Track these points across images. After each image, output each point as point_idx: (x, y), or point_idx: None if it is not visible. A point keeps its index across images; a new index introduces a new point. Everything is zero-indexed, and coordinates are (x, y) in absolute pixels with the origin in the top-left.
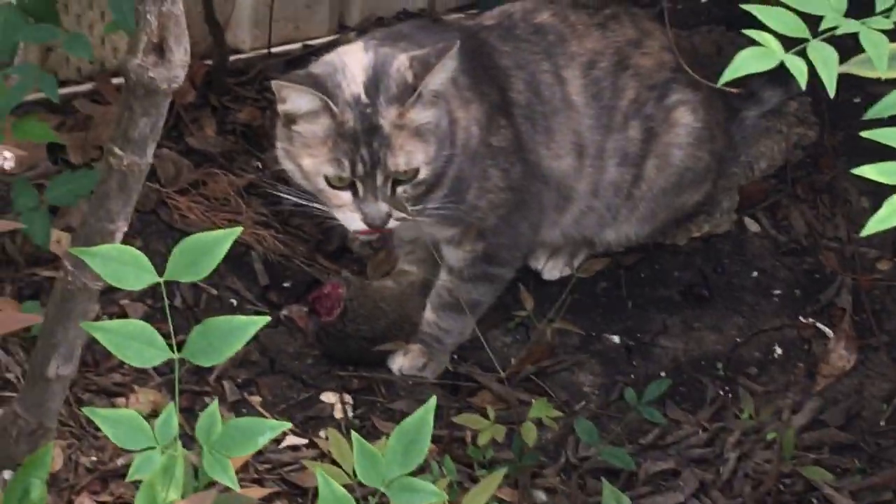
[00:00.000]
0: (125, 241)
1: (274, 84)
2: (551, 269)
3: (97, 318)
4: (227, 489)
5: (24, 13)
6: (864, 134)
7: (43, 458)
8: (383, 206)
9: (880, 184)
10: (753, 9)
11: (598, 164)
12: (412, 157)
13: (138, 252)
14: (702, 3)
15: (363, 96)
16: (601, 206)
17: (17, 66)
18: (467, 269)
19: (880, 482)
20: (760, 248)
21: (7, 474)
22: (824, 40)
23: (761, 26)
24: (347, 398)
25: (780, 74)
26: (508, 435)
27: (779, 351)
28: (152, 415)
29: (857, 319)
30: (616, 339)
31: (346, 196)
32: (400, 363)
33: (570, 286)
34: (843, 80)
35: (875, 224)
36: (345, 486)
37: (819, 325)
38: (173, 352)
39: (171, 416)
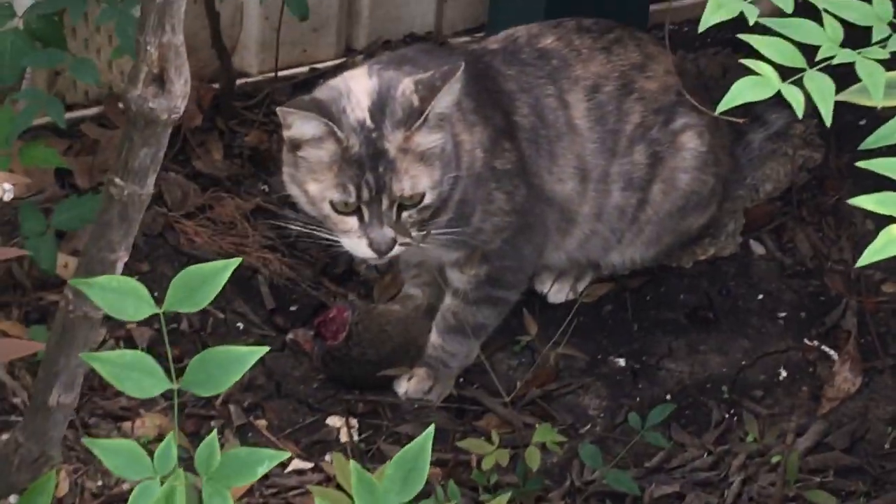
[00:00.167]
0: (132, 265)
1: (279, 110)
2: (557, 293)
3: (104, 343)
4: None
5: (31, 38)
6: (861, 164)
7: (45, 486)
8: (389, 232)
9: None
10: (750, 38)
11: (602, 189)
12: (417, 181)
13: (137, 283)
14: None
15: (368, 121)
16: (605, 229)
17: (25, 91)
18: (472, 292)
19: None
20: (766, 270)
21: (13, 499)
22: (821, 70)
23: (759, 55)
24: (353, 422)
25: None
26: (513, 459)
27: (784, 374)
28: (158, 439)
29: (862, 342)
30: (622, 361)
31: (352, 221)
32: (405, 387)
33: (575, 309)
34: (849, 102)
35: (870, 255)
36: None
37: (824, 347)
38: (172, 381)
39: (169, 445)
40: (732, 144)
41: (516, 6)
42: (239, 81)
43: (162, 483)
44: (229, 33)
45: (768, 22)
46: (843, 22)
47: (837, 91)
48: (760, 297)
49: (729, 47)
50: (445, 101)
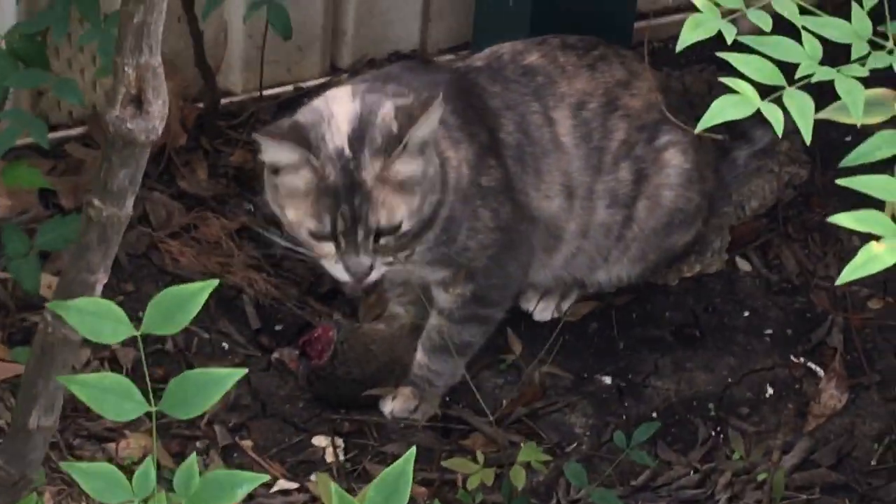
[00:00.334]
0: (116, 285)
1: (255, 136)
2: (542, 311)
3: (88, 363)
4: None
5: (13, 58)
6: (841, 182)
7: None
8: (365, 260)
9: None
10: (729, 57)
11: (588, 206)
12: (394, 212)
13: (115, 305)
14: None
15: (346, 150)
16: (591, 247)
17: (8, 111)
18: (458, 310)
19: None
20: (752, 287)
21: None
22: (801, 87)
23: (738, 73)
24: (339, 441)
25: None
26: (499, 478)
27: (770, 391)
28: (143, 460)
29: (848, 359)
30: (608, 379)
31: (330, 247)
32: (391, 406)
33: (560, 328)
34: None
35: (851, 272)
36: None
37: (810, 364)
38: (151, 404)
39: (148, 468)
40: (717, 161)
41: (501, 24)
42: (223, 100)
43: None
44: (213, 52)
45: (747, 40)
46: (821, 39)
47: (818, 108)
48: (746, 314)
49: (713, 64)
50: (424, 130)
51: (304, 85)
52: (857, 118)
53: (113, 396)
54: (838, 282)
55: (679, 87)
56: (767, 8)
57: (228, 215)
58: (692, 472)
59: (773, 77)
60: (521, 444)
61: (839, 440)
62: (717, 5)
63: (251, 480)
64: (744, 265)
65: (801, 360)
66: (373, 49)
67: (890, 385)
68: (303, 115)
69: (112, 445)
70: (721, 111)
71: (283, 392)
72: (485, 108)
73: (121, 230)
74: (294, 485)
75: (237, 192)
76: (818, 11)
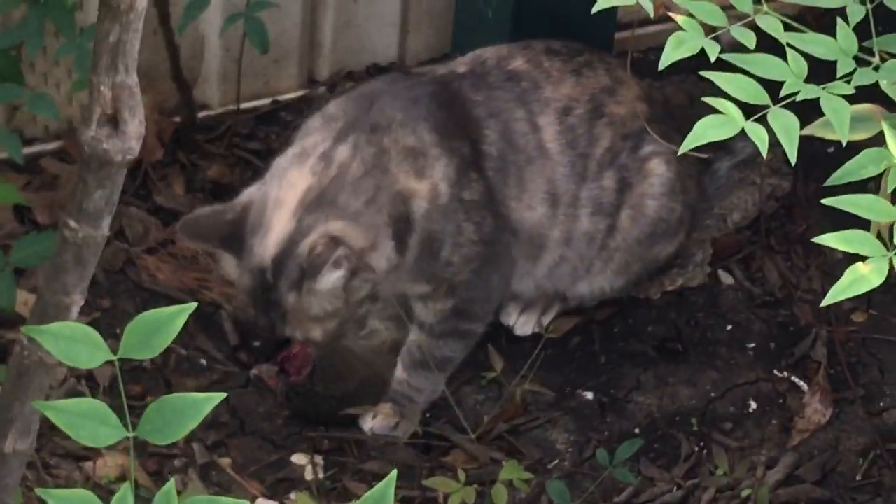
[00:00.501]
0: (93, 302)
1: (178, 232)
2: (523, 325)
3: (65, 381)
4: None
5: None
6: (827, 201)
7: None
8: None
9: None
10: (713, 76)
11: (572, 213)
12: (309, 333)
13: (91, 330)
14: None
15: (269, 274)
16: (574, 256)
17: None
18: (438, 325)
19: None
20: (734, 300)
21: None
22: (785, 106)
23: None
24: (318, 459)
25: None
26: (480, 495)
27: (753, 405)
28: (120, 479)
29: (832, 372)
30: (589, 395)
31: None
32: (371, 423)
33: (542, 343)
34: None
35: (835, 294)
36: None
37: (794, 378)
38: (128, 430)
39: (126, 495)
40: (699, 173)
41: (480, 36)
42: (200, 114)
43: None
44: (190, 66)
45: (730, 58)
46: (805, 55)
47: (802, 119)
48: (729, 327)
49: (694, 75)
50: (329, 280)
51: (281, 98)
52: (842, 137)
53: (89, 422)
54: (824, 303)
55: (660, 98)
56: (750, 24)
57: None
58: (675, 489)
59: (758, 97)
60: (503, 462)
61: (824, 455)
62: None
63: None
64: (726, 278)
65: (785, 374)
66: (351, 61)
67: (874, 399)
68: (253, 191)
69: (89, 464)
70: (705, 132)
71: (262, 409)
72: (468, 119)
73: (98, 251)
74: (273, 503)
75: None
76: (802, 27)
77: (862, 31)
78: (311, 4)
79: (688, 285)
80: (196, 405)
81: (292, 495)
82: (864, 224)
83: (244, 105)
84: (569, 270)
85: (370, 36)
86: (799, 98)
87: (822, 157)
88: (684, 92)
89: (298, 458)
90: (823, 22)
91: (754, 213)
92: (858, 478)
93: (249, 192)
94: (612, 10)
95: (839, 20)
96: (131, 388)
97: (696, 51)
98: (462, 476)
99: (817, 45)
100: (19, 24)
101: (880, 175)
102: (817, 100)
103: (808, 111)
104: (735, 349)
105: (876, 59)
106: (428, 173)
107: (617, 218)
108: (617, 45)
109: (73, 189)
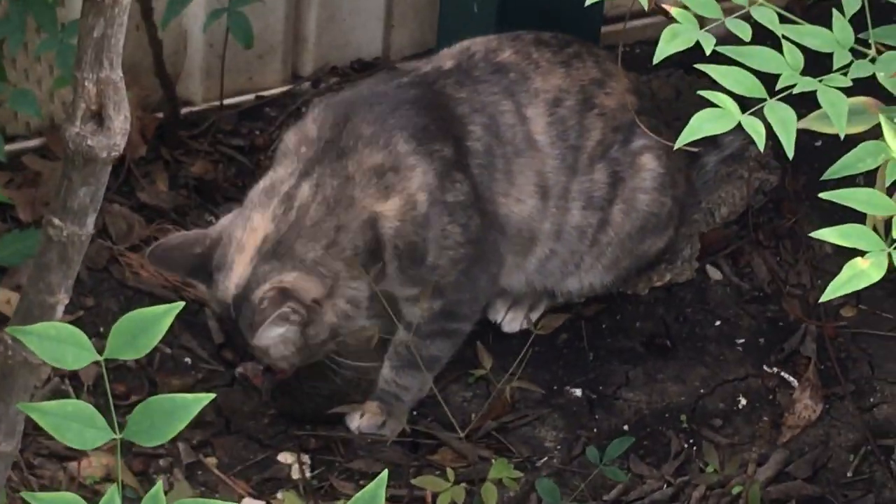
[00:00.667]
0: (77, 300)
1: (148, 257)
2: (511, 322)
3: (48, 380)
4: None
5: None
6: (825, 196)
7: None
8: None
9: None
10: (709, 69)
11: (563, 206)
12: (275, 364)
13: (77, 330)
14: None
15: (231, 309)
16: (565, 251)
17: None
18: (426, 325)
19: None
20: (723, 296)
21: None
22: (781, 98)
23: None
24: (305, 458)
25: None
26: (469, 494)
27: (743, 401)
28: (105, 479)
29: (821, 368)
30: (578, 392)
31: None
32: (358, 421)
33: (531, 340)
34: None
35: (834, 289)
36: None
37: (784, 374)
38: (115, 432)
39: (113, 498)
40: (687, 167)
41: (465, 30)
42: (184, 110)
43: None
44: (173, 61)
45: (726, 50)
46: (799, 48)
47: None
48: (718, 323)
49: (681, 69)
50: (270, 335)
51: (265, 94)
52: (840, 130)
53: (75, 424)
54: (822, 298)
55: (647, 92)
56: (744, 16)
57: (190, 227)
58: (665, 486)
59: (755, 89)
60: (492, 460)
61: (814, 452)
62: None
63: None
64: (714, 273)
65: (775, 370)
66: (335, 56)
67: (865, 395)
68: (226, 223)
69: (74, 465)
70: (701, 125)
71: (248, 408)
72: (451, 118)
73: (82, 250)
74: (260, 503)
75: (198, 204)
76: (798, 20)
77: (857, 23)
78: None
79: (676, 281)
80: (184, 406)
81: (279, 495)
82: (851, 218)
83: (228, 101)
84: (559, 266)
85: (354, 30)
86: (796, 91)
87: (810, 151)
88: (671, 86)
89: (285, 457)
90: (812, 14)
91: (742, 207)
92: (849, 474)
93: (222, 223)
94: (598, 4)
95: (835, 12)
96: (115, 387)
97: (690, 43)
98: (451, 475)
99: (813, 37)
100: (0, 21)
101: (872, 170)
102: (806, 93)
103: (796, 105)
104: (724, 345)
105: (872, 52)
106: (399, 187)
107: (609, 212)
108: (603, 39)
109: (57, 186)
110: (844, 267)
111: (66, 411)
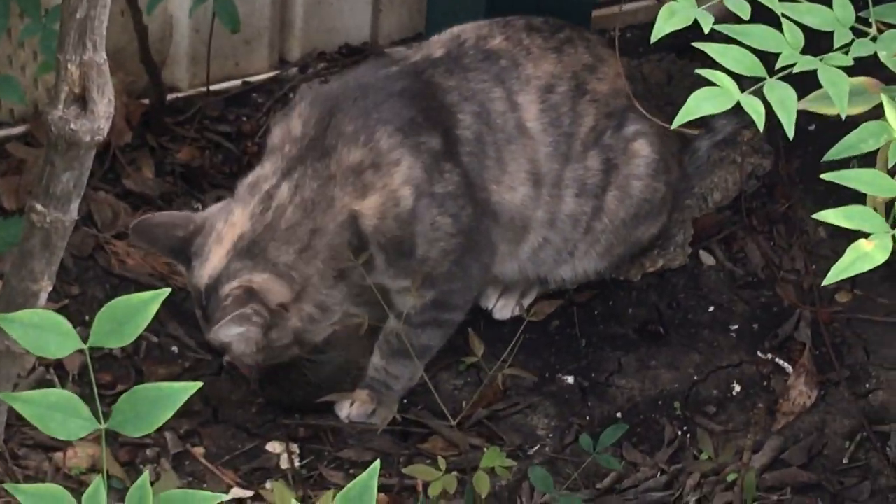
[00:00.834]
0: (62, 288)
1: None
2: (502, 309)
3: (33, 370)
4: None
5: None
6: (827, 176)
7: None
8: None
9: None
10: (707, 47)
11: (556, 194)
12: (233, 354)
13: (60, 318)
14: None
15: (203, 297)
16: (558, 239)
17: None
18: (417, 315)
19: None
20: (716, 281)
21: None
22: (781, 78)
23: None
24: (294, 447)
25: None
26: (461, 482)
27: (737, 388)
28: (91, 470)
29: (816, 354)
30: (570, 379)
31: None
32: (348, 410)
33: (523, 327)
34: None
35: (837, 272)
36: None
37: (778, 360)
38: (100, 422)
39: (98, 489)
40: (680, 152)
41: (454, 15)
42: (169, 96)
43: None
44: (158, 47)
45: (724, 29)
46: (799, 25)
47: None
48: (711, 309)
49: (672, 53)
50: (228, 333)
51: (252, 79)
52: (841, 110)
53: (59, 414)
54: (825, 282)
55: (638, 76)
56: None
57: None
58: (659, 474)
59: (754, 68)
60: (484, 448)
61: (809, 438)
62: None
63: (207, 500)
64: (707, 259)
65: (769, 356)
66: (323, 41)
67: (860, 380)
68: (201, 228)
69: (59, 455)
70: (699, 105)
71: (236, 397)
72: (440, 108)
73: (66, 236)
74: (248, 493)
75: (185, 191)
76: None
77: (858, 1)
78: None
79: (669, 266)
80: (170, 395)
81: (268, 484)
82: (846, 203)
83: (214, 87)
84: (552, 254)
85: (342, 15)
86: (796, 70)
87: (803, 134)
88: (662, 70)
89: (273, 447)
90: None
91: (735, 192)
92: (845, 461)
93: (210, 210)
94: None
95: None
96: (101, 376)
97: (689, 22)
98: (442, 463)
99: (813, 15)
100: None
101: (869, 153)
102: (801, 77)
103: (795, 89)
104: (717, 331)
105: (873, 30)
106: (380, 184)
107: (603, 199)
108: (594, 23)
109: (40, 172)
110: (848, 249)
111: (50, 401)
